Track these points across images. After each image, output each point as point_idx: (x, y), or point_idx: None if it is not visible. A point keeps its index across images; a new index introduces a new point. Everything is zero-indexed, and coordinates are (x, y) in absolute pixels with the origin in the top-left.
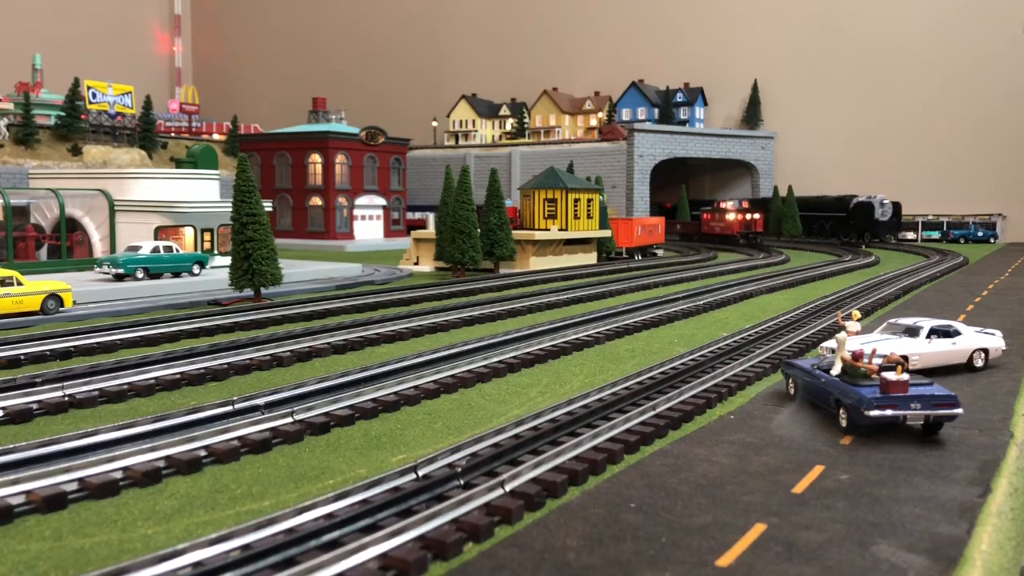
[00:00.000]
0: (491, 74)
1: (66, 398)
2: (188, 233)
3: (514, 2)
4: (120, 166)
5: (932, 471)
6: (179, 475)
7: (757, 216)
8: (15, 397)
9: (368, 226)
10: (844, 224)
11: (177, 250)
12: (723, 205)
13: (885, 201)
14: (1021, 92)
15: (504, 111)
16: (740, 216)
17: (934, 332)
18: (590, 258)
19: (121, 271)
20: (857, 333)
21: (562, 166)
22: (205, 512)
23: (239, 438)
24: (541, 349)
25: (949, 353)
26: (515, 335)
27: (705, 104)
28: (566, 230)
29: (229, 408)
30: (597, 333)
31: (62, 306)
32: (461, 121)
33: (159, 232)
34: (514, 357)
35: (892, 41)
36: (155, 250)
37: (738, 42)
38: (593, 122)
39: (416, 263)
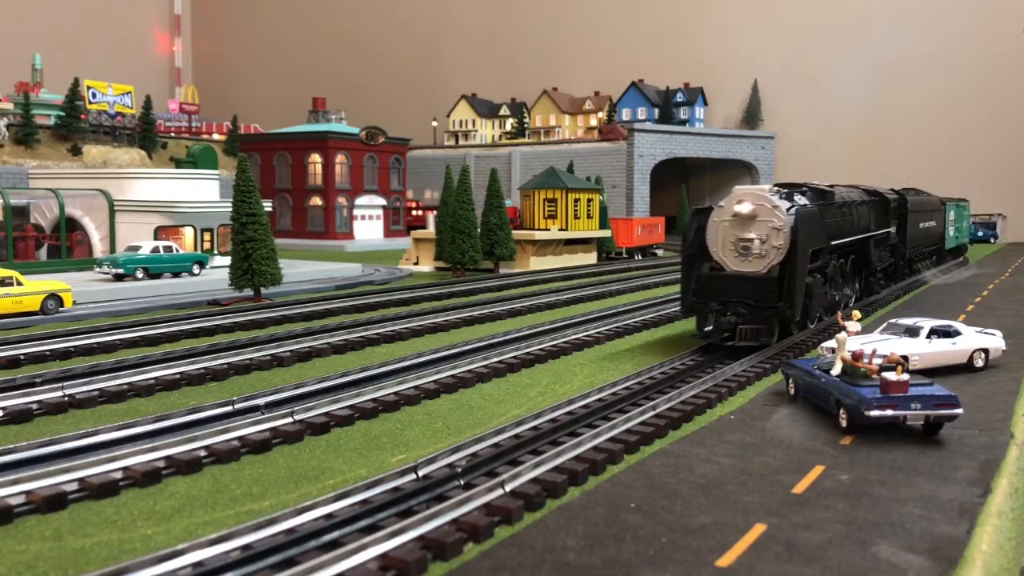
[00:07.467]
0: (491, 74)
1: (66, 398)
2: (188, 233)
3: (514, 2)
4: (120, 166)
5: (932, 471)
6: (179, 475)
7: None
8: (15, 397)
9: (368, 226)
10: None
11: (177, 250)
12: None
13: None
14: (1021, 92)
15: (504, 111)
16: None
17: (934, 332)
18: (590, 258)
19: (121, 271)
20: (857, 333)
21: (562, 166)
22: (205, 512)
23: (239, 438)
24: (541, 349)
25: (949, 353)
26: (515, 335)
27: (705, 104)
28: (566, 230)
29: (229, 408)
30: (597, 333)
31: (62, 306)
32: (461, 121)
33: (159, 232)
34: (514, 357)
35: (892, 41)
36: (155, 250)
37: (738, 42)
38: (593, 122)
39: (416, 263)
